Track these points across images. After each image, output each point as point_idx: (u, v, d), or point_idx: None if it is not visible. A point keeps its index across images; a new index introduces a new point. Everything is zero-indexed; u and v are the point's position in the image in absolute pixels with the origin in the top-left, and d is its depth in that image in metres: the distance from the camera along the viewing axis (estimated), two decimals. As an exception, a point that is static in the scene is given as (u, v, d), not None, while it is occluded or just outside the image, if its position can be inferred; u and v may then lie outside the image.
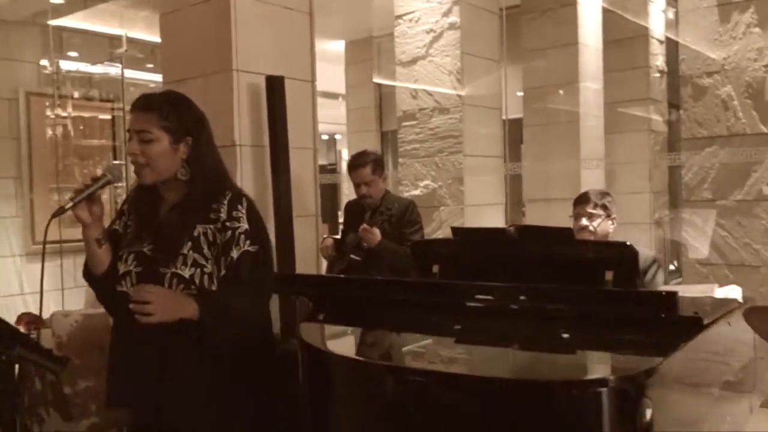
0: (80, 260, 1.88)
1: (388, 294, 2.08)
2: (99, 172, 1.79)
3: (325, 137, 12.07)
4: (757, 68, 3.96)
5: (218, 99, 3.06)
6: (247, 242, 1.75)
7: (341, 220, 3.95)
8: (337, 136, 14.98)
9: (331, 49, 8.57)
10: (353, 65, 8.84)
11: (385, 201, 3.35)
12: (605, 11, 6.77)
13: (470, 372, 1.55)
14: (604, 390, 1.18)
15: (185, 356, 1.71)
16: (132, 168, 1.80)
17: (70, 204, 1.69)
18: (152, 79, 8.56)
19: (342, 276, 3.23)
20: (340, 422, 1.60)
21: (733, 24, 4.03)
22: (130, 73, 5.79)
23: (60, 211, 1.68)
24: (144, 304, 1.61)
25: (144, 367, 1.73)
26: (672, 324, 1.48)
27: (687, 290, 3.07)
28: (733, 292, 2.84)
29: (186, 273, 1.72)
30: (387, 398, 1.44)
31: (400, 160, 5.63)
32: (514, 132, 6.58)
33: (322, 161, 10.83)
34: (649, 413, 1.17)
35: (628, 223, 5.36)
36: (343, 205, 4.17)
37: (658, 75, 6.98)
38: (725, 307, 1.83)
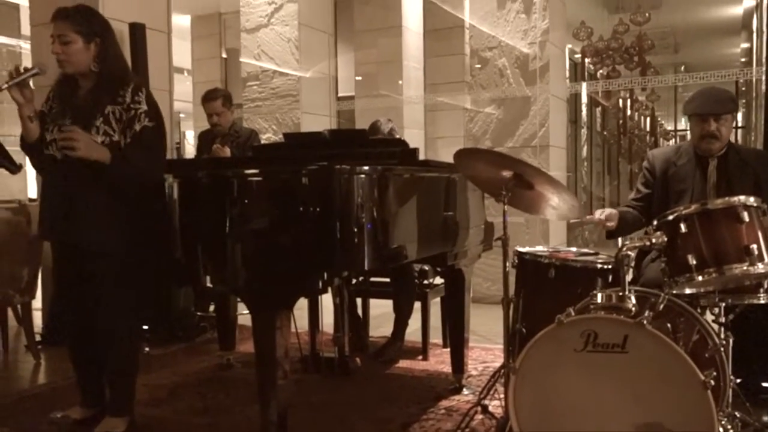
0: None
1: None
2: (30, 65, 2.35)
3: (169, 115, 11.95)
4: (523, 45, 5.15)
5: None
6: (147, 119, 2.39)
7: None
8: (182, 115, 14.79)
9: (176, 24, 8.86)
10: (199, 39, 9.17)
11: (232, 128, 4.11)
12: (426, 2, 7.85)
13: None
14: (363, 175, 2.13)
15: (93, 195, 2.34)
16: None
17: (5, 85, 2.27)
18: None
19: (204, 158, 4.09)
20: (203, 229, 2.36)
21: (507, 10, 5.19)
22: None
23: None
24: (71, 140, 2.22)
25: (65, 205, 2.35)
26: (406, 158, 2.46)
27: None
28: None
29: (98, 139, 2.34)
30: (231, 199, 2.20)
31: (244, 116, 6.31)
32: (347, 104, 7.51)
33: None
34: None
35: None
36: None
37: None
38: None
